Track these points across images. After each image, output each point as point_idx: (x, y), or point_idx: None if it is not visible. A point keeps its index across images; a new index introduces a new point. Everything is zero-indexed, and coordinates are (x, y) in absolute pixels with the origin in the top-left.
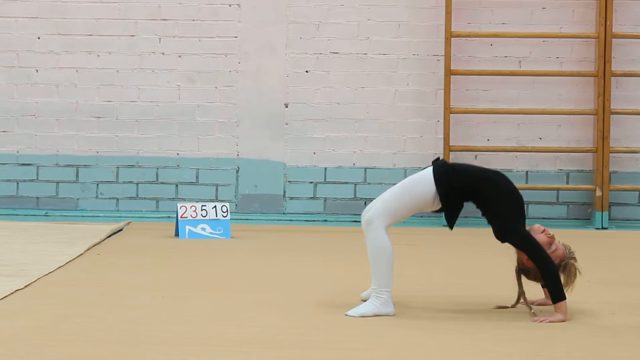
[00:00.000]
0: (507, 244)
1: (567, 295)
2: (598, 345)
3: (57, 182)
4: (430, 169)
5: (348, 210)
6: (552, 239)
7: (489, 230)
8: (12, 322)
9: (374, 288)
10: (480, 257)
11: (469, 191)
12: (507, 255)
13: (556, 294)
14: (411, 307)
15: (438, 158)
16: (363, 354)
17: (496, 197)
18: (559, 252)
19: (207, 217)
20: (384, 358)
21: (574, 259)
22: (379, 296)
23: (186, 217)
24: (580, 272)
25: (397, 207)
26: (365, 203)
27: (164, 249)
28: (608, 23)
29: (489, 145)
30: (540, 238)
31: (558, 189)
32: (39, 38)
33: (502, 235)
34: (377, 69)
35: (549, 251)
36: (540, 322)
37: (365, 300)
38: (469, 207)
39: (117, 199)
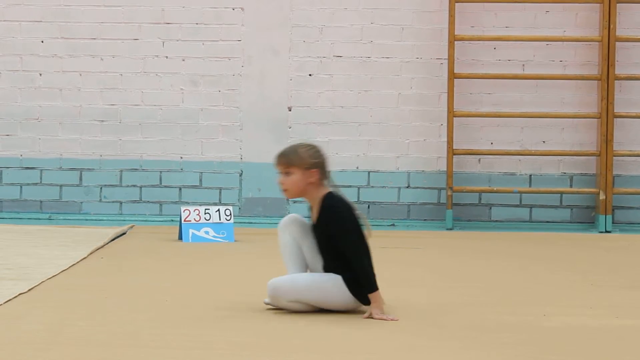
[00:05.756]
0: None
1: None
2: (602, 349)
3: (61, 186)
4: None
5: None
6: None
7: (492, 234)
8: (15, 325)
9: None
10: (484, 261)
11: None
12: (512, 258)
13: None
14: (414, 311)
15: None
16: (367, 357)
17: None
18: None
19: (210, 221)
20: None
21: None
22: None
23: (190, 221)
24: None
25: (306, 298)
26: (368, 206)
27: (167, 252)
28: (611, 26)
29: (492, 148)
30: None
31: (562, 193)
32: (42, 42)
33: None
34: (380, 72)
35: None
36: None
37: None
38: (476, 211)
39: (121, 203)
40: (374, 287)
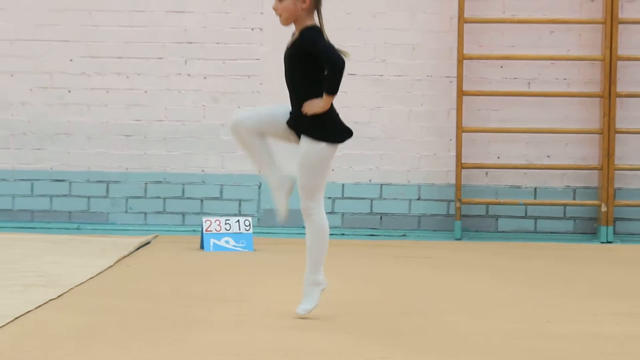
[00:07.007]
0: None
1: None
2: (603, 355)
3: (89, 197)
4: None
5: (365, 224)
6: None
7: (499, 244)
8: (46, 330)
9: (310, 272)
10: (491, 270)
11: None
12: (517, 267)
13: (330, 86)
14: (424, 318)
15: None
16: None
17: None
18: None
19: (230, 231)
20: None
21: None
22: (315, 280)
23: (211, 231)
24: None
25: (319, 184)
26: (381, 217)
27: (189, 261)
28: (613, 46)
29: (499, 162)
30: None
31: (565, 205)
32: (71, 60)
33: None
34: (392, 89)
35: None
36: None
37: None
38: (484, 222)
39: (145, 214)
40: (333, 91)
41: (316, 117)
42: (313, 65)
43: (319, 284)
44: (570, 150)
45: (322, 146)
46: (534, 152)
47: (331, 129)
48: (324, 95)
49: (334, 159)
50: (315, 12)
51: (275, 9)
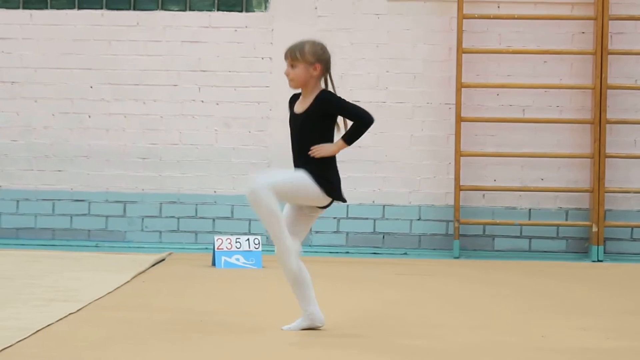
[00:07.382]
0: None
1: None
2: None
3: (107, 217)
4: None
5: (368, 243)
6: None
7: (495, 263)
8: (66, 342)
9: (304, 305)
10: (487, 287)
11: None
12: (512, 285)
13: (351, 136)
14: (422, 332)
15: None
16: None
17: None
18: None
19: (240, 249)
20: None
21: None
22: (308, 310)
23: (222, 249)
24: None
25: (286, 194)
26: (383, 237)
27: (201, 277)
28: (603, 76)
29: (495, 185)
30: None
31: (558, 225)
32: (91, 87)
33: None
34: (394, 116)
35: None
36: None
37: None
38: (481, 242)
39: (160, 232)
40: (351, 141)
41: (321, 173)
42: (326, 127)
43: (313, 316)
44: (563, 173)
45: (318, 191)
46: (529, 175)
47: (330, 186)
48: (340, 141)
49: (317, 215)
50: (325, 76)
51: (287, 74)
